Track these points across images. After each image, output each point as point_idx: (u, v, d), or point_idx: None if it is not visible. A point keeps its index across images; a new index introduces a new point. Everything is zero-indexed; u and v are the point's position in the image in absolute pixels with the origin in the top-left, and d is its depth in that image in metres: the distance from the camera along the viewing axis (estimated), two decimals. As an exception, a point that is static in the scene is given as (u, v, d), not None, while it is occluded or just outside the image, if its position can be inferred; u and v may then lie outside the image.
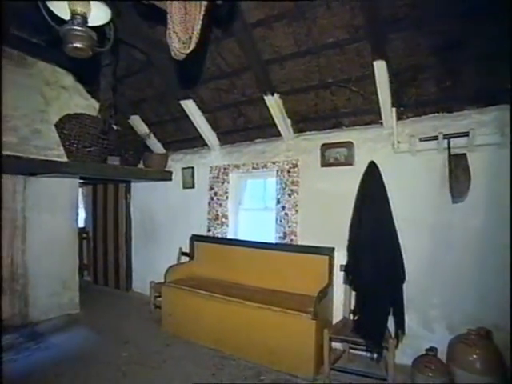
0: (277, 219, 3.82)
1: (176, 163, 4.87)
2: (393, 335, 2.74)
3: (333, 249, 3.34)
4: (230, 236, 4.26)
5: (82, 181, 4.96)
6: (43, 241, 4.22)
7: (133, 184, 5.39)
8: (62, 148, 3.62)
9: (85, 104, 4.50)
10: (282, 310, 2.97)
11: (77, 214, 4.67)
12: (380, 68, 2.74)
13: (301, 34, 2.84)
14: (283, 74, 3.23)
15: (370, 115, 3.24)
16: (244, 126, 3.99)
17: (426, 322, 2.93)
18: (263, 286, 3.69)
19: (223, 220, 4.27)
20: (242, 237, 4.26)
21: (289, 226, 3.71)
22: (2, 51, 1.78)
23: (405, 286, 2.83)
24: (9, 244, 3.95)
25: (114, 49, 1.94)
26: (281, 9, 2.71)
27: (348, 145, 3.36)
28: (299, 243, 3.64)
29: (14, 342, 3.59)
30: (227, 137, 4.26)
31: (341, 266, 3.24)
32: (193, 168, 4.62)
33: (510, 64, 2.33)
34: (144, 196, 5.27)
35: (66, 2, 1.65)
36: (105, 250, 5.83)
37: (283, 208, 3.75)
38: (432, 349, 2.65)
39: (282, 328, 2.96)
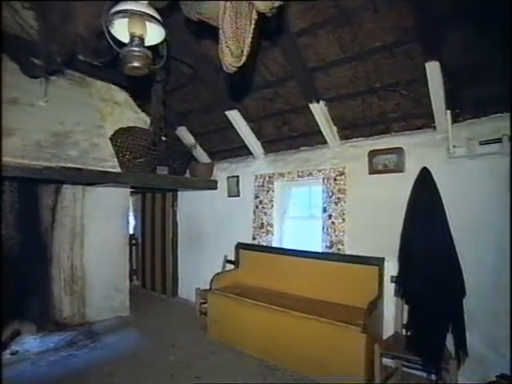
0: (323, 228, 3.74)
1: (221, 172, 4.98)
2: (453, 355, 2.53)
3: (383, 259, 3.19)
4: (275, 244, 4.24)
5: (132, 190, 5.26)
6: (98, 246, 4.52)
7: (179, 193, 5.59)
8: (116, 159, 3.88)
9: (135, 117, 4.81)
10: (329, 321, 2.89)
11: (128, 222, 4.95)
12: (433, 69, 2.60)
13: (346, 39, 2.80)
14: (328, 80, 3.19)
15: (421, 119, 3.09)
16: (289, 135, 3.99)
17: (493, 344, 2.66)
18: (309, 295, 3.62)
19: (268, 228, 4.27)
20: (287, 245, 4.22)
21: (336, 235, 3.62)
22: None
23: (465, 301, 2.62)
24: (69, 249, 4.30)
25: (165, 65, 2.06)
26: (325, 16, 2.69)
27: (398, 151, 3.22)
28: (347, 253, 3.54)
29: (74, 339, 3.88)
30: (272, 145, 4.29)
31: (391, 277, 3.10)
32: (238, 177, 4.69)
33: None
34: (190, 204, 5.43)
35: (126, 26, 1.79)
36: (152, 256, 6.08)
37: (330, 216, 3.67)
38: (504, 376, 2.39)
39: (330, 340, 2.87)
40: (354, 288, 3.32)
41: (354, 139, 3.59)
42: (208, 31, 2.85)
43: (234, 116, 4.03)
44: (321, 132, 3.60)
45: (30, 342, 3.71)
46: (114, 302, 4.69)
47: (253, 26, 1.55)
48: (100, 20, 2.49)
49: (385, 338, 3.03)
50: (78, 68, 3.55)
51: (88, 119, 3.91)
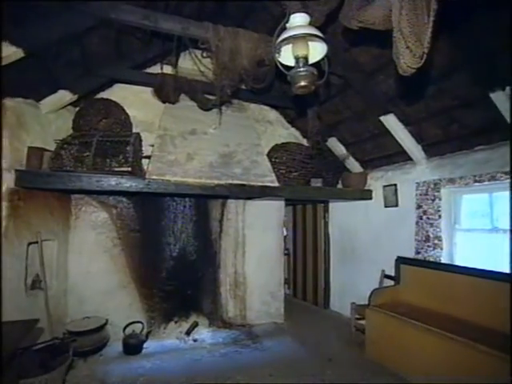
0: (515, 244, 3.01)
1: (376, 181, 4.73)
2: None
3: None
4: (444, 260, 3.71)
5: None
6: (257, 255, 4.94)
7: (331, 204, 5.58)
8: (273, 174, 4.18)
9: (286, 133, 5.12)
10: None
11: (282, 233, 5.22)
12: None
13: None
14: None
15: None
16: (458, 134, 3.45)
17: None
18: (494, 326, 2.93)
19: (435, 242, 3.76)
20: (460, 262, 3.64)
21: (537, 254, 2.84)
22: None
23: None
24: (233, 256, 4.85)
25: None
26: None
27: None
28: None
29: (238, 338, 4.32)
30: (435, 148, 3.80)
31: None
32: (395, 185, 4.35)
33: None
34: (343, 215, 5.34)
35: (290, 51, 1.91)
36: (304, 266, 6.23)
37: (526, 229, 2.92)
38: None
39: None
40: None
41: (563, 130, 2.77)
42: (361, 38, 2.80)
43: (390, 121, 3.77)
44: (506, 125, 2.93)
45: (205, 334, 4.34)
46: (270, 308, 4.99)
47: (432, 18, 1.38)
48: (257, 51, 2.80)
49: None
50: (238, 96, 4.02)
51: (247, 139, 4.35)
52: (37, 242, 3.26)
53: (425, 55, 1.34)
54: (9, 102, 2.93)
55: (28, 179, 3.01)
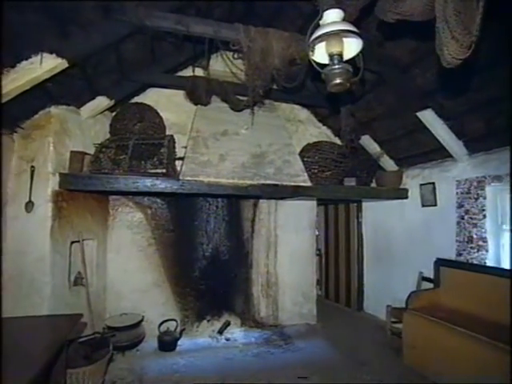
0: None
1: (412, 180, 4.54)
2: None
3: None
4: (490, 263, 3.48)
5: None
6: (289, 255, 4.90)
7: (364, 203, 5.44)
8: (305, 174, 4.13)
9: (317, 132, 5.04)
10: None
11: (314, 233, 5.15)
12: None
13: None
14: None
15: None
16: (504, 127, 3.20)
17: None
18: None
19: (480, 243, 3.53)
20: (507, 265, 3.38)
21: None
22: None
23: None
24: (265, 256, 4.84)
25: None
26: None
27: None
28: None
29: (270, 338, 4.31)
30: (478, 143, 3.57)
31: None
32: (433, 183, 4.15)
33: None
34: (377, 215, 5.19)
35: (324, 49, 1.87)
36: (336, 267, 6.11)
37: None
38: None
39: None
40: None
41: None
42: (396, 30, 2.69)
43: (428, 116, 3.59)
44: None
45: (237, 333, 4.38)
46: (303, 309, 4.94)
47: (482, 3, 1.28)
48: (289, 50, 2.76)
49: None
50: (269, 96, 3.99)
51: (278, 139, 4.32)
52: (79, 241, 3.44)
53: (473, 44, 1.25)
54: (54, 110, 3.15)
55: (70, 181, 3.19)
